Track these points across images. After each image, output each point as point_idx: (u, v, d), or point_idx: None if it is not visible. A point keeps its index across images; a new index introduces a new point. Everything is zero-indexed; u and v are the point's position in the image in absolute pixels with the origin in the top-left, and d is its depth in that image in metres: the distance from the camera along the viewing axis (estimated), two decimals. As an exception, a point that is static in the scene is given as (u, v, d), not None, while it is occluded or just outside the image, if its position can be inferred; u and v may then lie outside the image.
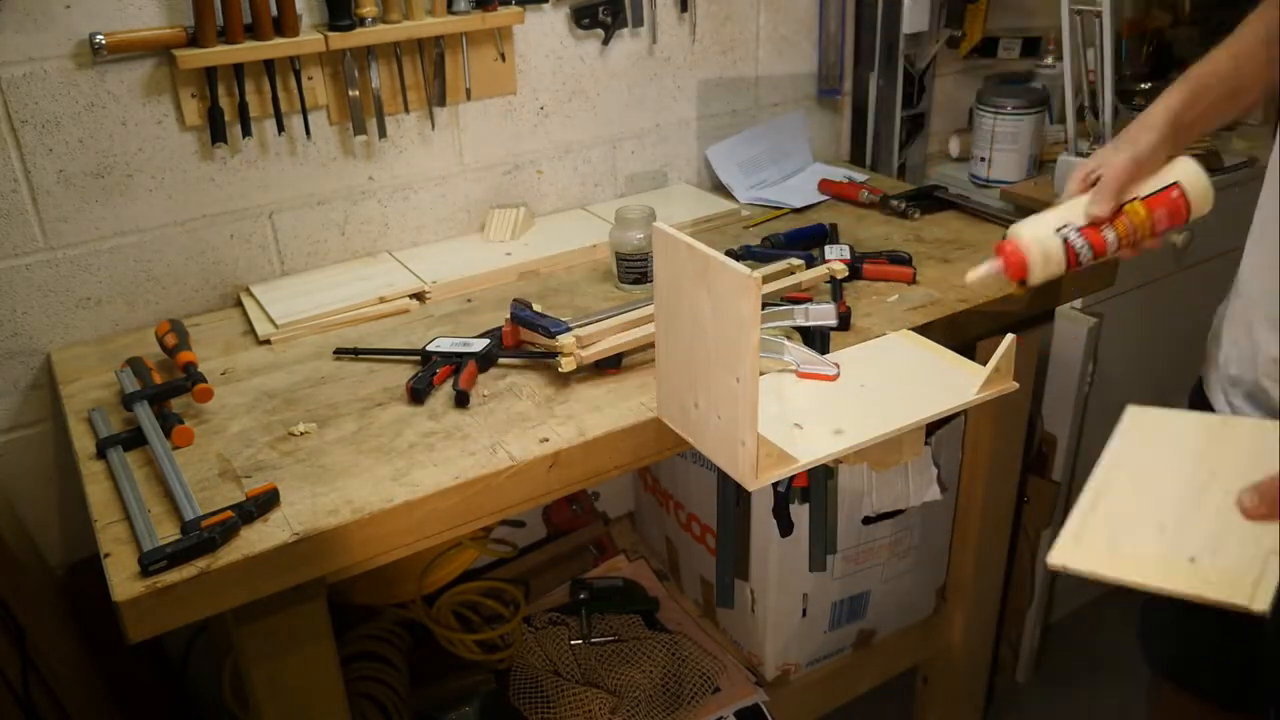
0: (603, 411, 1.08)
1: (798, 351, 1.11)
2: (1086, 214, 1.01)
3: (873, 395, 1.06)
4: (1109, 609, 2.12)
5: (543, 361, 1.18)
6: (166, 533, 0.91)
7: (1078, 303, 1.70)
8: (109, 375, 1.21)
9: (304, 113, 1.36)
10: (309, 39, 1.31)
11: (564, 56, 1.57)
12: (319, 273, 1.45)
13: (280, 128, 1.36)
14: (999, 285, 1.08)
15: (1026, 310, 1.35)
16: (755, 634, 1.58)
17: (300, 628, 0.99)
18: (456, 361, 1.17)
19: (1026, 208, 1.72)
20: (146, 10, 1.25)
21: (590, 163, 1.66)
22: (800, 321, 1.21)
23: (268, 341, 1.28)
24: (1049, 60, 2.00)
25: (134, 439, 1.05)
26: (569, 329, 1.16)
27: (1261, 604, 0.68)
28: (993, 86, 1.89)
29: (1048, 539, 1.87)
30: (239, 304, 1.39)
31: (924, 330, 1.22)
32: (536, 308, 1.25)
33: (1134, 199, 1.01)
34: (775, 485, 1.35)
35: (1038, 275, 1.01)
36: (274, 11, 1.28)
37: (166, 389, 1.11)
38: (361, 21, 1.33)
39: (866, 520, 1.52)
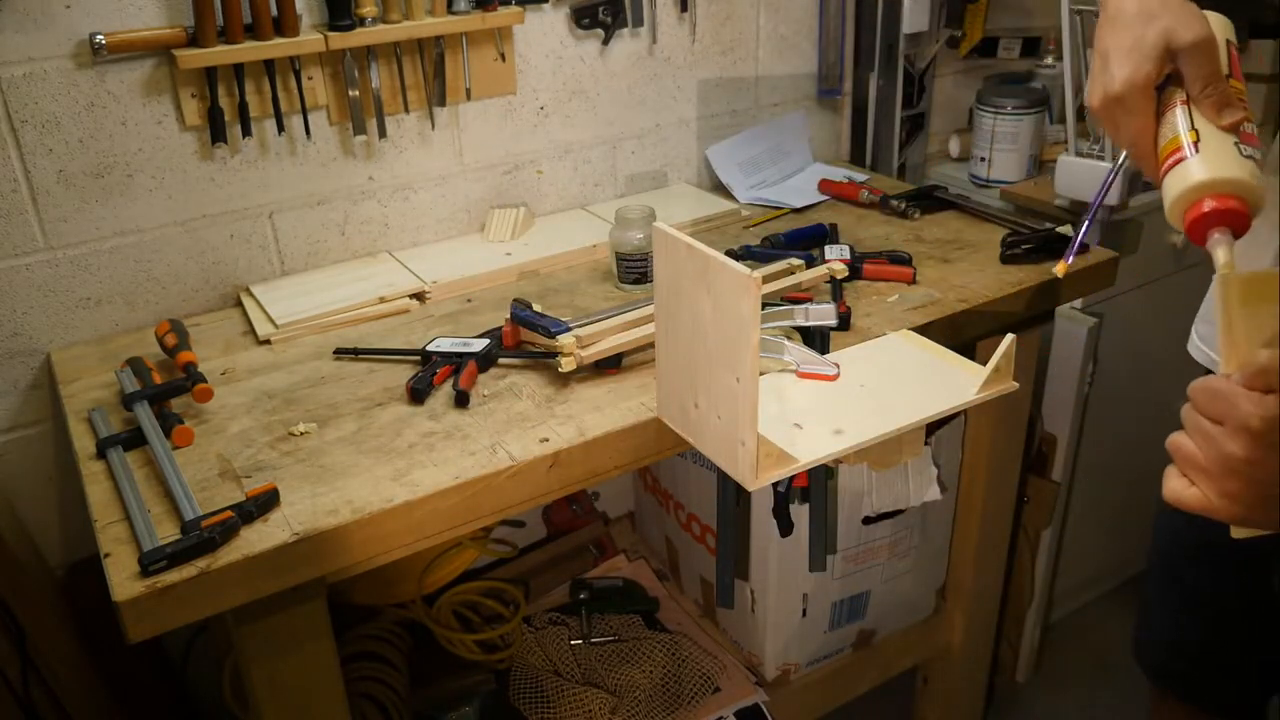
0: (603, 411, 1.08)
1: (798, 351, 1.11)
2: (1223, 122, 0.78)
3: (873, 395, 1.06)
4: (1109, 609, 2.12)
5: (543, 361, 1.18)
6: (166, 533, 0.91)
7: (1078, 303, 1.70)
8: (109, 375, 1.21)
9: (304, 113, 1.36)
10: (309, 39, 1.31)
11: (564, 56, 1.57)
12: (319, 273, 1.45)
13: (280, 128, 1.36)
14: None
15: (1026, 310, 1.35)
16: (755, 634, 1.58)
17: (300, 628, 0.99)
18: (456, 361, 1.17)
19: (1026, 208, 1.73)
20: (146, 10, 1.25)
21: (590, 163, 1.66)
22: (800, 321, 1.21)
23: (268, 341, 1.28)
24: (1049, 60, 2.00)
25: (134, 439, 1.05)
26: (569, 329, 1.16)
27: None
28: (993, 86, 1.89)
29: (1048, 539, 1.87)
30: (239, 304, 1.39)
31: (924, 330, 1.22)
32: (536, 308, 1.25)
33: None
34: (775, 485, 1.35)
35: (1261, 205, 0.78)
36: (274, 11, 1.28)
37: (166, 389, 1.11)
38: (361, 21, 1.33)
39: (866, 520, 1.52)
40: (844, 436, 0.98)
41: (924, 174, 1.99)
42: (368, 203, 1.48)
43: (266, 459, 1.03)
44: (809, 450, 0.95)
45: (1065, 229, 1.41)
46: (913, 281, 1.35)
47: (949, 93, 2.03)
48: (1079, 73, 1.55)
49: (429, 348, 1.20)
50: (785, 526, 1.39)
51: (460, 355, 1.18)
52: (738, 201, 1.68)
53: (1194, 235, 0.77)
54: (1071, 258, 1.01)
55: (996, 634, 1.81)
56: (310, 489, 0.97)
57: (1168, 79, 0.81)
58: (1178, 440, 0.69)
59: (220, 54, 1.25)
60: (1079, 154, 1.59)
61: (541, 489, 1.04)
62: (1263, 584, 1.07)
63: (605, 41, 1.59)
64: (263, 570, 0.90)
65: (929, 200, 1.61)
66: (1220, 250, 0.75)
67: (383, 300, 1.35)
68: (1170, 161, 0.79)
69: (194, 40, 1.25)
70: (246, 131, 1.34)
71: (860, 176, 1.76)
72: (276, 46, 1.29)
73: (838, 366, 1.09)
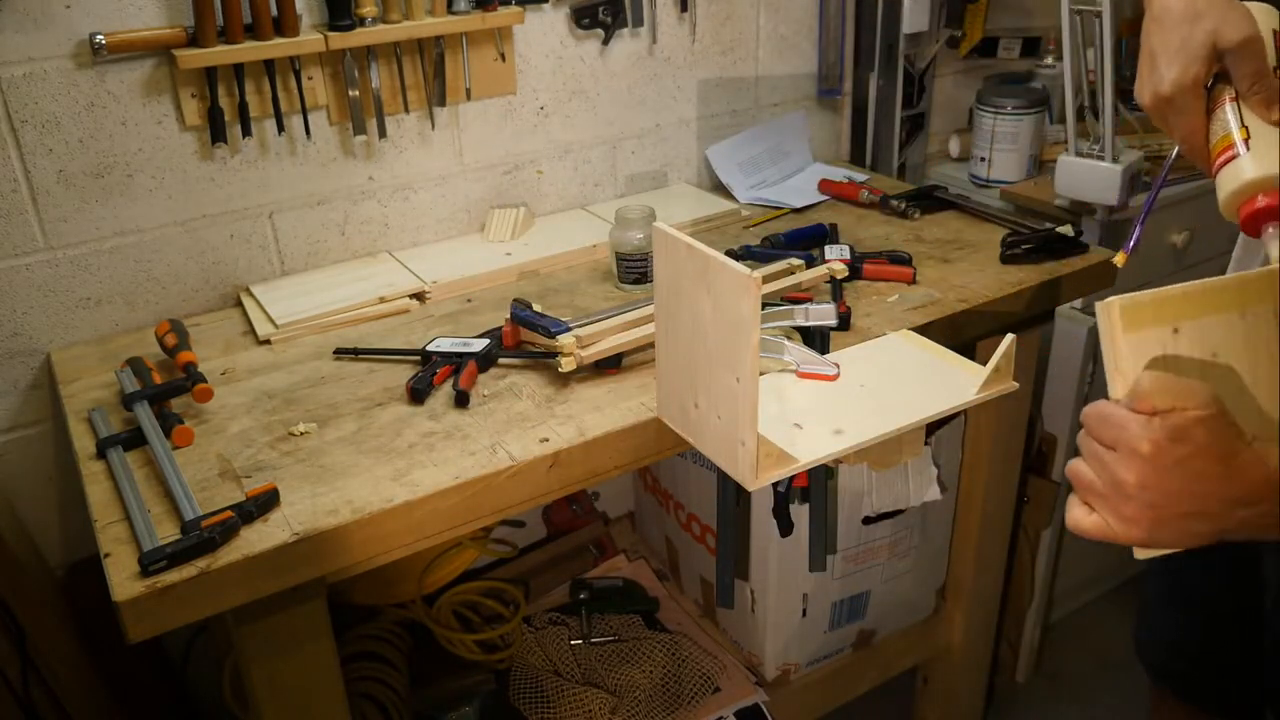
0: (603, 411, 1.08)
1: (798, 351, 1.11)
2: (1273, 118, 0.79)
3: (873, 395, 1.06)
4: (1109, 609, 2.12)
5: (543, 361, 1.18)
6: (166, 533, 0.91)
7: (1078, 303, 1.70)
8: (109, 375, 1.21)
9: (304, 113, 1.36)
10: (309, 39, 1.31)
11: (564, 56, 1.57)
12: (319, 273, 1.45)
13: (280, 128, 1.36)
14: None
15: (1026, 310, 1.35)
16: (755, 634, 1.58)
17: (300, 628, 0.99)
18: (456, 361, 1.17)
19: (1026, 208, 1.73)
20: (146, 10, 1.25)
21: (590, 163, 1.66)
22: (800, 321, 1.21)
23: (268, 341, 1.28)
24: (1049, 60, 2.00)
25: (134, 439, 1.05)
26: (569, 329, 1.16)
27: None
28: (993, 86, 1.89)
29: (1048, 539, 1.87)
30: (239, 304, 1.39)
31: (924, 330, 1.22)
32: (536, 308, 1.25)
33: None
34: (775, 485, 1.35)
35: None
36: (274, 11, 1.28)
37: (166, 389, 1.11)
38: (361, 21, 1.33)
39: (866, 520, 1.52)
40: (844, 436, 0.98)
41: (924, 174, 1.99)
42: (368, 203, 1.48)
43: (266, 459, 1.03)
44: (809, 450, 0.95)
45: (1065, 229, 1.41)
46: (913, 281, 1.35)
47: (949, 93, 2.03)
48: (1079, 73, 1.55)
49: (429, 348, 1.20)
50: (785, 526, 1.39)
51: (460, 355, 1.18)
52: (738, 201, 1.68)
53: (1249, 230, 0.79)
54: (1130, 247, 1.00)
55: (996, 634, 1.81)
56: (310, 489, 0.97)
57: (1216, 76, 0.82)
58: (1076, 467, 0.68)
59: (220, 54, 1.25)
60: (1079, 154, 1.59)
61: (541, 489, 1.04)
62: (1261, 584, 1.07)
63: (605, 41, 1.59)
64: (263, 570, 0.90)
65: (929, 200, 1.61)
66: (1275, 245, 0.76)
67: (383, 300, 1.35)
68: (1223, 159, 0.81)
69: (194, 40, 1.25)
70: (246, 131, 1.34)
71: (860, 176, 1.76)
72: (276, 46, 1.29)
73: (838, 366, 1.09)
